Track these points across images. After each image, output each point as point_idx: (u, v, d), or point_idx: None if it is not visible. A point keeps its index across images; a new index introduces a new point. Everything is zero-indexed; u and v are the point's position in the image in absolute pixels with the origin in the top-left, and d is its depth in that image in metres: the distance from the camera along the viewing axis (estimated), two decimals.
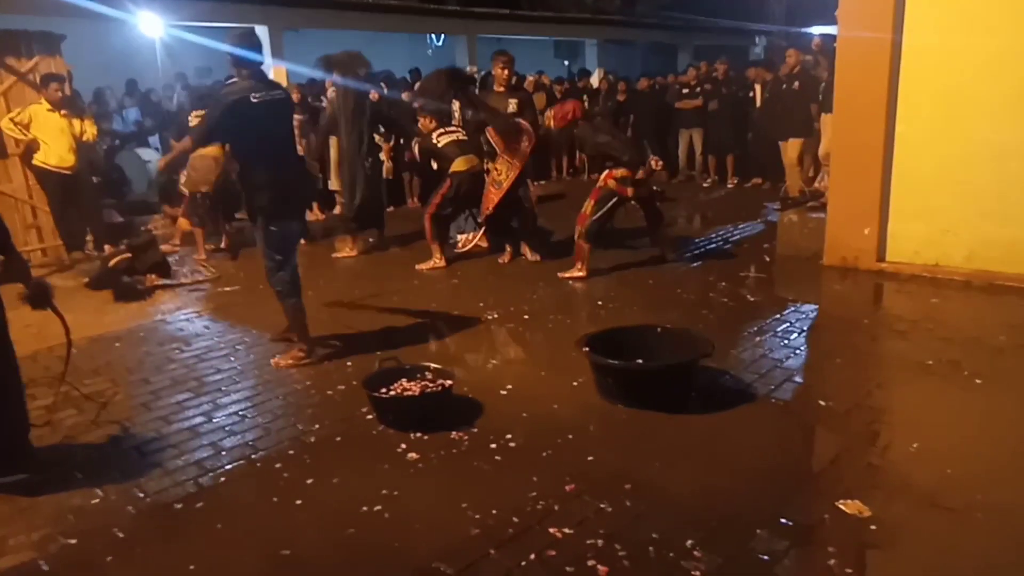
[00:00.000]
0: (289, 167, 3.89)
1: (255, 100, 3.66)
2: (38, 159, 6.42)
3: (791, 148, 8.21)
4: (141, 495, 2.82)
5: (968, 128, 5.04)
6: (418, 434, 3.19)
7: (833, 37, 6.62)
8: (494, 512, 2.59)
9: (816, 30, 12.33)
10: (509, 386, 3.70)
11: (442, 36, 15.46)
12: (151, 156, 9.64)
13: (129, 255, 5.92)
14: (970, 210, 5.11)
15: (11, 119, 6.28)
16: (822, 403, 3.41)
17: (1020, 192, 4.94)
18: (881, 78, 5.26)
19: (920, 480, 2.74)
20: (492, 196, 5.96)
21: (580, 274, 5.59)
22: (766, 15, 18.69)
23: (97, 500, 2.79)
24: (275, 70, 9.52)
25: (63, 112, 6.42)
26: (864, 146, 5.41)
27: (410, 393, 3.38)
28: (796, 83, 8.07)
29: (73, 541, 2.54)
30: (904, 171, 5.36)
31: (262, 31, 9.69)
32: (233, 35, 3.81)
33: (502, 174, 5.89)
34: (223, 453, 3.13)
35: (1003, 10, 4.86)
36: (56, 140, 6.38)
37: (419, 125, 6.51)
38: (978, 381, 3.55)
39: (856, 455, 2.99)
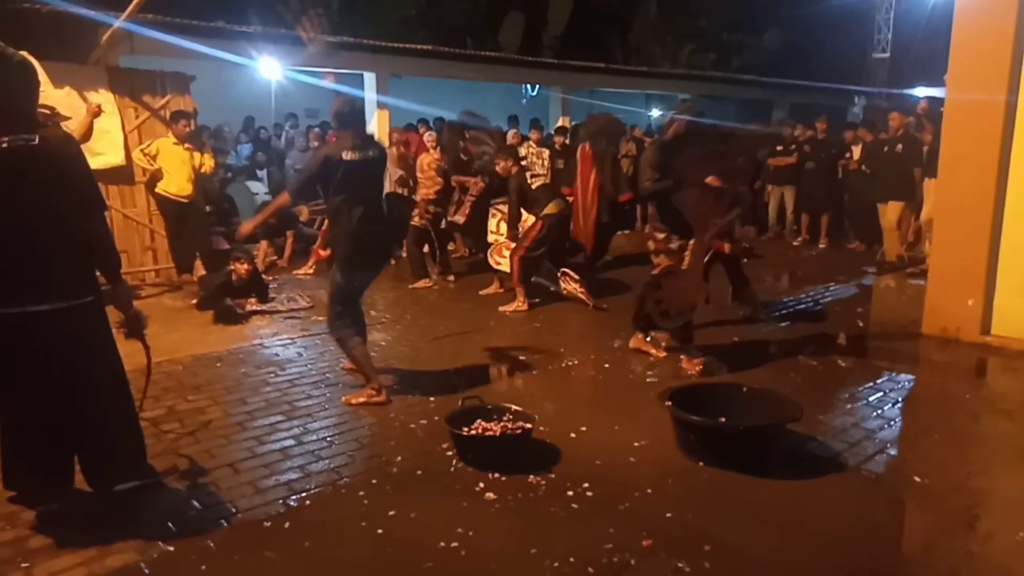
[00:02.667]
0: (374, 221, 4.02)
1: (347, 157, 3.87)
2: (160, 187, 6.95)
3: (891, 211, 7.95)
4: (233, 510, 2.97)
5: None
6: (496, 474, 3.23)
7: (939, 100, 6.44)
8: (571, 560, 2.59)
9: (920, 92, 12.01)
10: (587, 434, 3.70)
11: (536, 86, 15.87)
12: (258, 188, 10.27)
13: (225, 277, 6.30)
14: None
15: (141, 150, 6.85)
16: (917, 479, 3.25)
17: None
18: (992, 142, 5.08)
19: None
20: (680, 286, 4.61)
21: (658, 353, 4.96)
22: (867, 76, 18.30)
23: (194, 512, 2.96)
24: (379, 112, 10.02)
25: (187, 146, 6.96)
26: (971, 213, 5.20)
27: (491, 433, 3.44)
28: (899, 146, 7.86)
29: (171, 548, 2.70)
30: (1013, 241, 5.11)
31: (370, 77, 10.26)
32: (337, 101, 4.11)
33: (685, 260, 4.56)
34: (310, 476, 3.26)
35: None
36: (178, 171, 6.90)
37: (499, 168, 6.54)
38: None
39: (955, 540, 2.83)
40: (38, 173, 2.64)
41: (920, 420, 4.05)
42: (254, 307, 6.24)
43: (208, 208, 8.13)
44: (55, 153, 2.67)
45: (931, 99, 8.15)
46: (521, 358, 4.99)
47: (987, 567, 2.63)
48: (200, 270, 7.12)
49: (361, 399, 4.10)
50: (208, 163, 7.23)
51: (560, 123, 12.07)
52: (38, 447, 2.83)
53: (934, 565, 2.63)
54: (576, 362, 4.92)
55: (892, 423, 3.94)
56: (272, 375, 4.63)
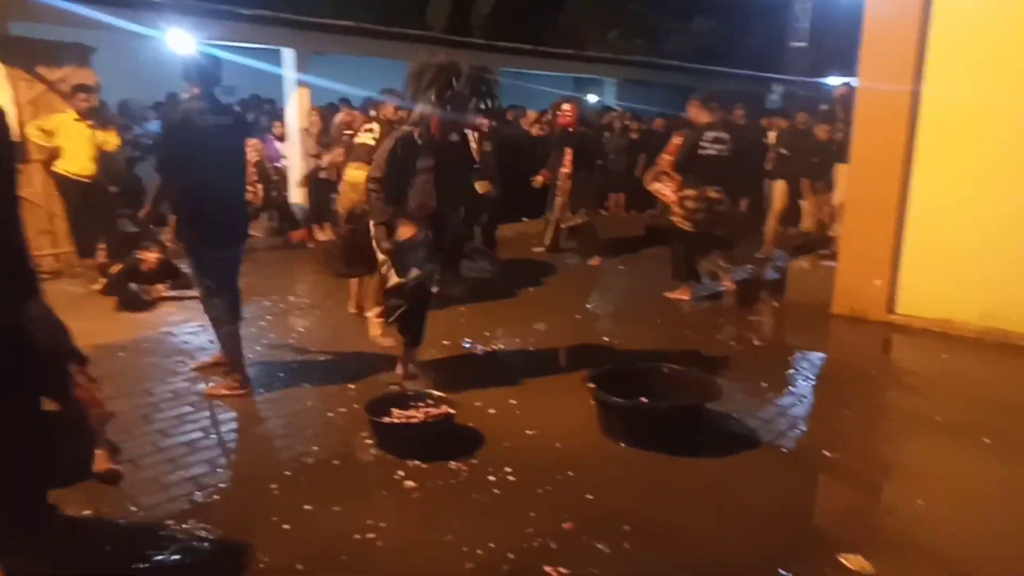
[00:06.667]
0: (224, 194, 3.76)
1: (199, 124, 3.56)
2: (59, 166, 6.49)
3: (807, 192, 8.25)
4: (134, 508, 2.79)
5: (986, 183, 5.03)
6: (417, 462, 3.15)
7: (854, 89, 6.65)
8: (491, 546, 2.55)
9: (835, 81, 12.43)
10: (511, 418, 3.66)
11: None
12: None
13: (133, 263, 5.93)
14: (986, 266, 5.06)
15: (38, 126, 6.38)
16: (827, 454, 3.35)
17: None
18: (899, 130, 5.28)
19: (925, 539, 2.68)
20: None
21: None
22: (787, 64, 18.87)
23: (90, 512, 2.76)
24: (300, 90, 9.66)
25: (89, 122, 6.51)
26: (879, 197, 5.40)
27: (412, 420, 3.35)
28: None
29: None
30: (919, 224, 5.35)
31: (288, 54, 9.86)
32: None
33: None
34: (219, 470, 3.11)
35: None
36: (79, 148, 6.45)
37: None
38: (987, 440, 3.49)
39: (861, 509, 2.94)
40: None
41: (830, 396, 4.19)
42: (162, 293, 5.92)
43: (114, 189, 7.65)
44: None
45: (849, 85, 8.42)
46: (445, 342, 4.91)
47: (891, 532, 2.73)
48: (103, 255, 6.70)
49: (222, 391, 3.88)
50: (112, 141, 6.80)
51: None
52: None
53: (842, 532, 2.72)
54: (503, 345, 4.88)
55: (804, 400, 4.07)
56: (180, 364, 4.39)
